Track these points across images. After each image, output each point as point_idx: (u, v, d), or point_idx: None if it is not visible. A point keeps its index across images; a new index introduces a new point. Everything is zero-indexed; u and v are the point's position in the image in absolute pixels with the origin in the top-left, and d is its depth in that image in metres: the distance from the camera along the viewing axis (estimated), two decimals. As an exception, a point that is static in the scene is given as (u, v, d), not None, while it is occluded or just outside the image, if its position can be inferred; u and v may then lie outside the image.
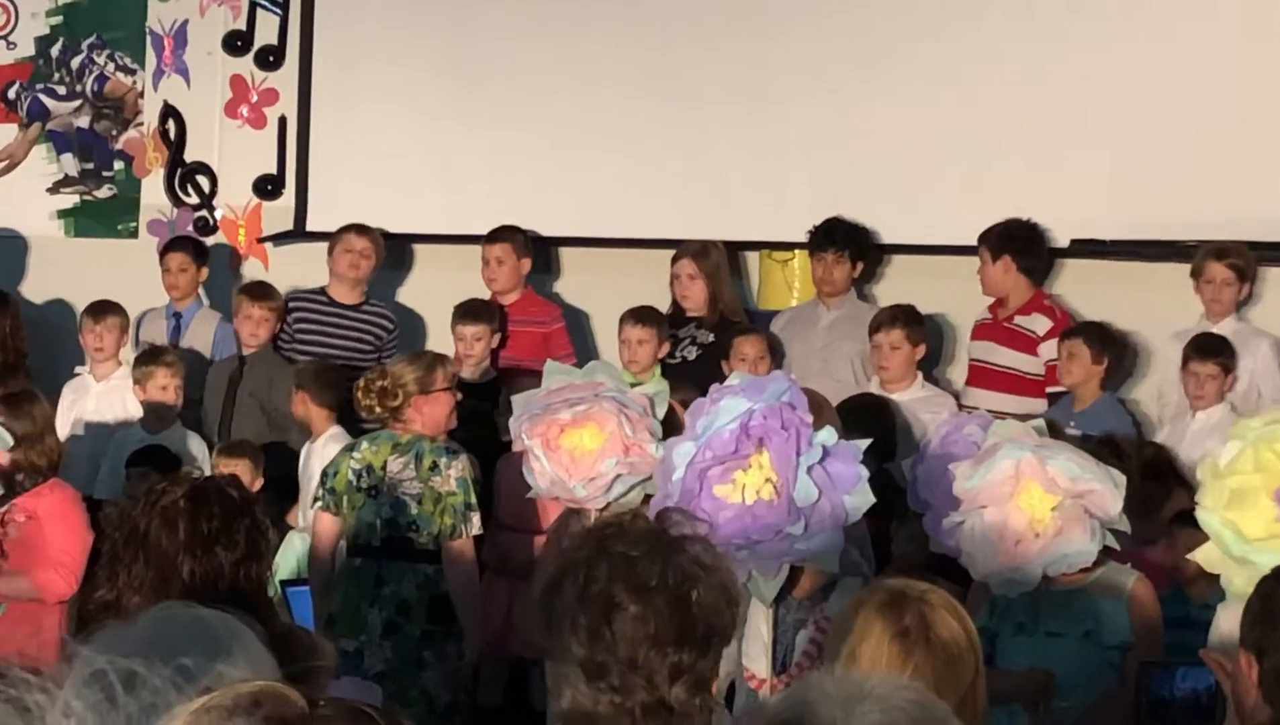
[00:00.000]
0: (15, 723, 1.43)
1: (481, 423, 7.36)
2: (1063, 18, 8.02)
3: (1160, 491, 5.99)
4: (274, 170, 9.54)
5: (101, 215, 9.85)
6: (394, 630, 6.45)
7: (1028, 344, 7.80)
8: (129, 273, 9.22)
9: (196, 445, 7.90)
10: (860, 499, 4.77)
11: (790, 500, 4.71)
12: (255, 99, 9.58)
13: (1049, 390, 7.72)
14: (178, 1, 9.67)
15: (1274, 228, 7.58)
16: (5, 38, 9.98)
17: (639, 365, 7.77)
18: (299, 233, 9.40)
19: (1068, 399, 7.53)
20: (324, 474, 6.66)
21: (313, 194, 9.39)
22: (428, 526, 6.47)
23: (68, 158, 9.91)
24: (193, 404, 8.31)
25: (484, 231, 8.59)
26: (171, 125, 9.68)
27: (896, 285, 8.33)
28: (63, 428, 7.89)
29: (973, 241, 7.91)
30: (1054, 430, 5.43)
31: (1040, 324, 7.80)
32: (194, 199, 9.68)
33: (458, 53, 9.05)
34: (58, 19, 9.91)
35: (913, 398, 7.63)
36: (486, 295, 8.47)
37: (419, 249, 9.27)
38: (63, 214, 9.90)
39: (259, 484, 7.20)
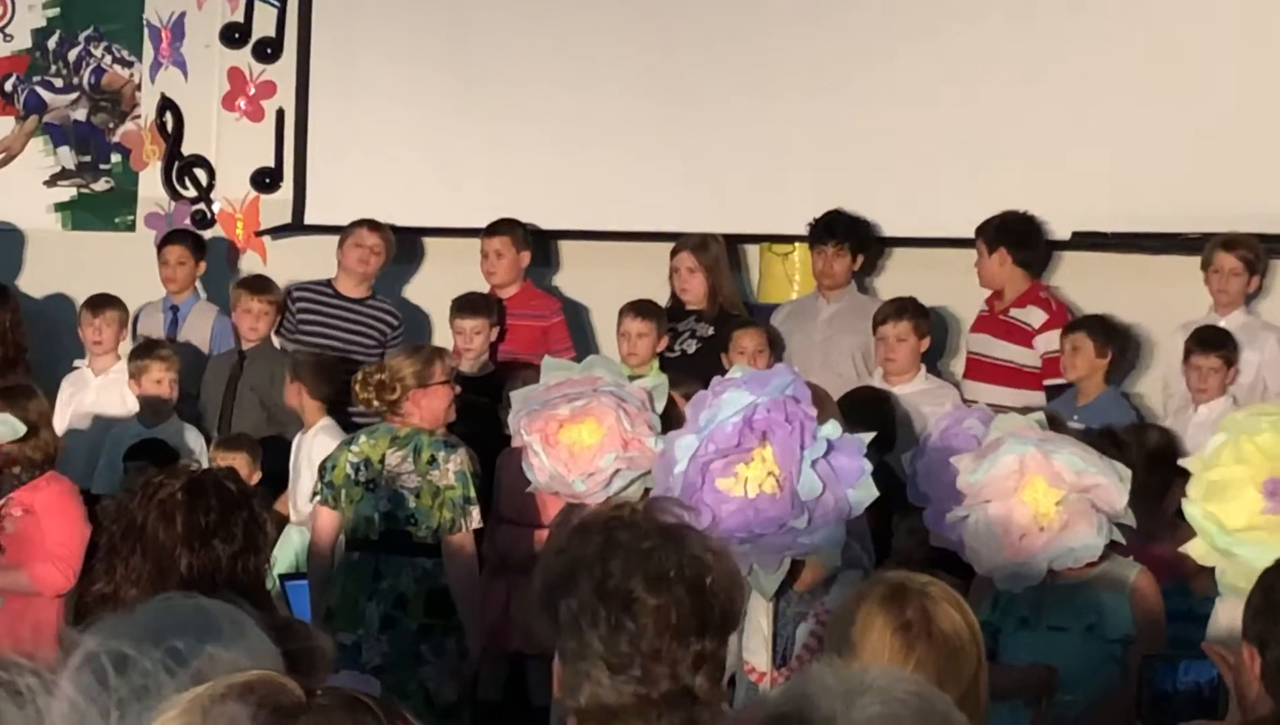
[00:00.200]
0: (8, 706, 1.42)
1: (481, 416, 7.34)
2: (1064, 11, 8.02)
3: (1159, 484, 5.98)
4: (272, 163, 9.52)
5: (99, 208, 9.83)
6: (391, 624, 6.45)
7: (1023, 336, 7.80)
8: (126, 266, 9.20)
9: (194, 438, 7.89)
10: (863, 492, 4.76)
11: (793, 494, 4.70)
12: (253, 91, 9.56)
13: (1047, 383, 7.71)
14: (175, -6, 9.67)
15: (1275, 220, 7.57)
16: (2, 30, 9.96)
17: (638, 358, 7.76)
18: (297, 226, 9.38)
19: (1071, 393, 7.51)
20: (322, 468, 6.65)
21: (311, 187, 9.38)
22: (426, 520, 6.46)
23: (64, 151, 9.89)
24: (191, 398, 8.30)
25: (483, 224, 8.58)
26: (169, 118, 9.67)
27: (897, 278, 8.32)
28: (61, 421, 7.89)
29: (973, 234, 7.90)
30: (1055, 423, 5.41)
31: (1035, 316, 7.80)
32: (192, 192, 9.67)
33: (457, 45, 9.04)
34: (54, 11, 9.89)
35: (916, 390, 7.64)
36: (485, 288, 8.46)
37: (417, 243, 9.26)
38: (60, 207, 9.88)
39: (257, 477, 7.20)
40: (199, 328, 8.84)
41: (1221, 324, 7.39)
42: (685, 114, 8.59)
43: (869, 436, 4.86)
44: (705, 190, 8.52)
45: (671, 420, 5.57)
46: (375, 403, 6.62)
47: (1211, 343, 7.20)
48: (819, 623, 4.82)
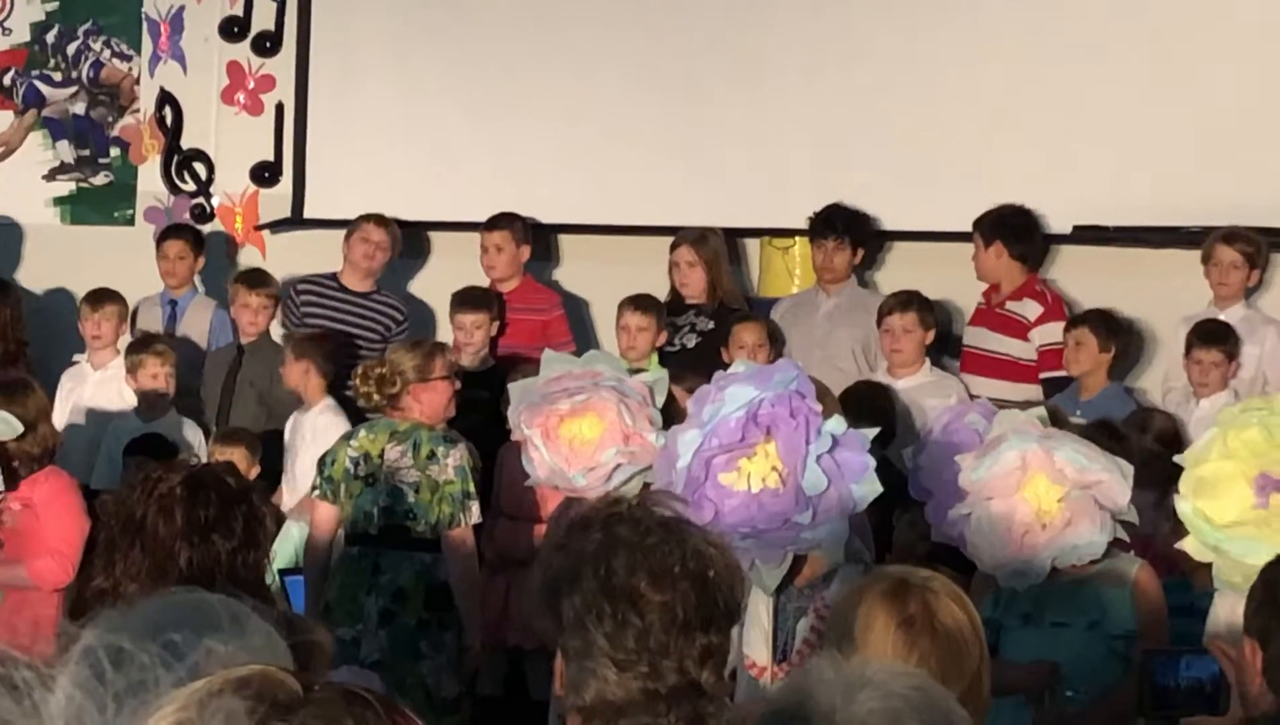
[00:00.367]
0: (4, 700, 1.42)
1: (481, 411, 7.33)
2: (1065, 5, 8.00)
3: (1156, 478, 5.97)
4: (271, 157, 9.51)
5: (98, 202, 9.82)
6: (391, 619, 6.44)
7: (1018, 329, 7.79)
8: (126, 260, 9.19)
9: (193, 433, 7.89)
10: (868, 488, 4.75)
11: (798, 489, 4.69)
12: (252, 85, 9.55)
13: (1043, 375, 7.71)
14: (173, -13, 9.65)
15: (1276, 214, 7.56)
16: (0, 24, 9.94)
17: (637, 352, 7.76)
18: (296, 220, 9.37)
19: (1073, 388, 7.51)
20: (321, 462, 6.64)
21: (310, 181, 9.37)
22: (425, 515, 6.45)
23: (63, 145, 9.88)
24: (190, 392, 8.29)
25: (483, 219, 8.56)
26: (168, 112, 9.65)
27: (897, 272, 8.31)
28: (60, 416, 7.88)
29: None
30: (1056, 418, 5.40)
31: (1031, 309, 7.79)
32: (191, 186, 9.65)
33: (456, 40, 9.02)
34: (53, 4, 9.88)
35: (921, 382, 7.64)
36: (485, 283, 8.45)
37: (417, 237, 9.24)
38: (59, 201, 9.87)
39: (255, 472, 7.19)
40: (197, 322, 8.83)
41: (1222, 318, 7.38)
42: (686, 108, 8.57)
43: (873, 431, 4.86)
44: (705, 184, 8.51)
45: (671, 415, 5.56)
46: (375, 396, 6.62)
47: (1213, 337, 7.19)
48: (819, 617, 4.81)
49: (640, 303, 7.93)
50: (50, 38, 9.88)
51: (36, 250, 9.71)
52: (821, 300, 8.14)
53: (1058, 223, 7.95)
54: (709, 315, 8.13)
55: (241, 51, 9.56)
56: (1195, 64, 7.73)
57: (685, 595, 2.54)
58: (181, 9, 9.62)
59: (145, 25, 9.70)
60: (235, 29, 9.54)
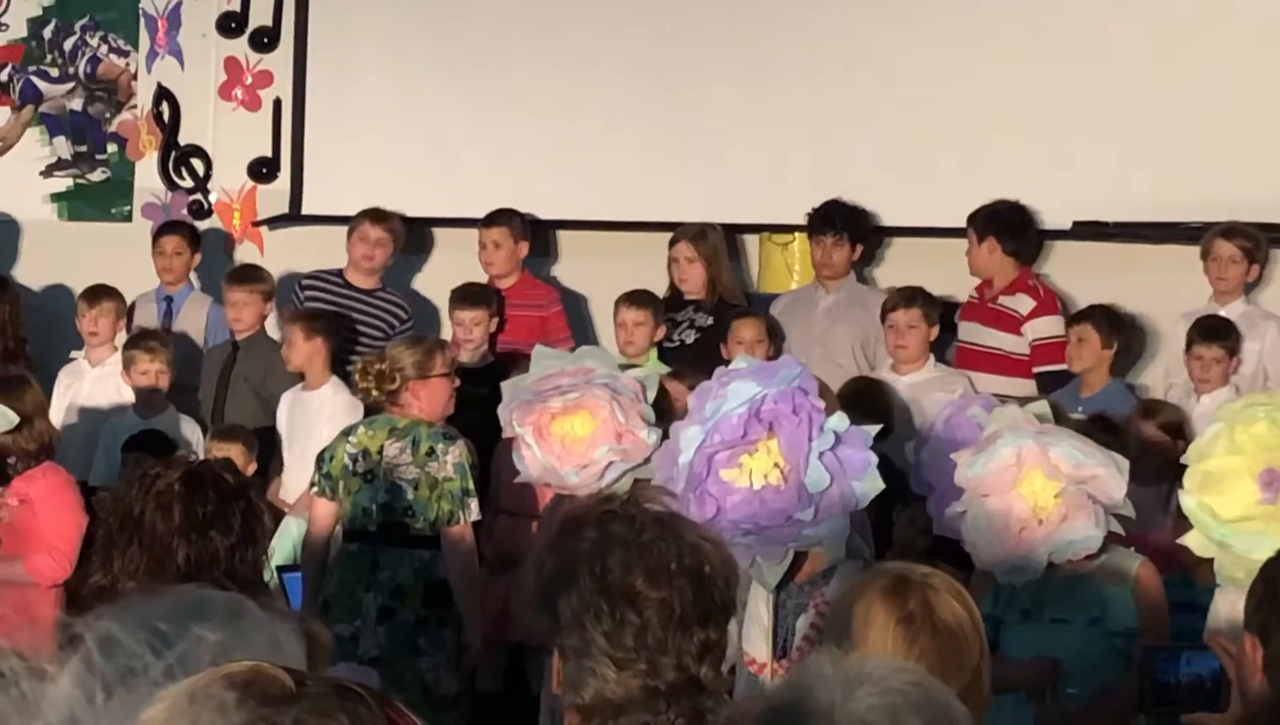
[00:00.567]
0: None
1: (480, 408, 7.32)
2: (1065, 2, 8.00)
3: (1154, 474, 5.96)
4: (269, 153, 9.50)
5: (95, 199, 9.81)
6: (389, 615, 6.43)
7: (1011, 324, 7.79)
8: (123, 256, 9.18)
9: (190, 429, 7.87)
10: (870, 485, 4.75)
11: (800, 485, 4.68)
12: (250, 81, 9.54)
13: (1037, 370, 7.71)
14: (171, -17, 9.64)
15: (1276, 209, 7.55)
16: (-2, 20, 9.94)
17: (635, 348, 7.76)
18: (294, 216, 9.37)
19: (1075, 384, 7.50)
20: (320, 459, 6.64)
21: (308, 177, 9.36)
22: (424, 512, 6.44)
23: (61, 141, 9.87)
24: (188, 388, 8.28)
25: (481, 215, 8.55)
26: (165, 108, 9.64)
27: (897, 268, 8.30)
28: (57, 413, 7.87)
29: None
30: (1057, 414, 5.39)
31: (1024, 303, 7.79)
32: (188, 182, 9.64)
33: (454, 35, 9.01)
34: (50, 0, 9.87)
35: (926, 377, 7.63)
36: (484, 279, 8.44)
37: (415, 233, 9.23)
38: (56, 197, 9.86)
39: (253, 468, 7.18)
40: (193, 318, 8.82)
41: (1222, 313, 7.37)
42: (685, 104, 8.57)
43: (875, 428, 4.85)
44: (704, 180, 8.50)
45: (662, 411, 5.55)
46: (374, 393, 6.61)
47: (1214, 332, 7.18)
48: (819, 614, 4.80)
49: (636, 298, 7.92)
50: (47, 33, 9.87)
51: (34, 246, 9.70)
52: (820, 296, 8.13)
53: (1057, 218, 7.94)
54: (708, 311, 8.12)
55: (239, 47, 9.54)
56: (1195, 61, 7.72)
57: (682, 591, 2.53)
58: (179, 4, 9.61)
59: (142, 21, 9.69)
60: (233, 24, 9.53)
